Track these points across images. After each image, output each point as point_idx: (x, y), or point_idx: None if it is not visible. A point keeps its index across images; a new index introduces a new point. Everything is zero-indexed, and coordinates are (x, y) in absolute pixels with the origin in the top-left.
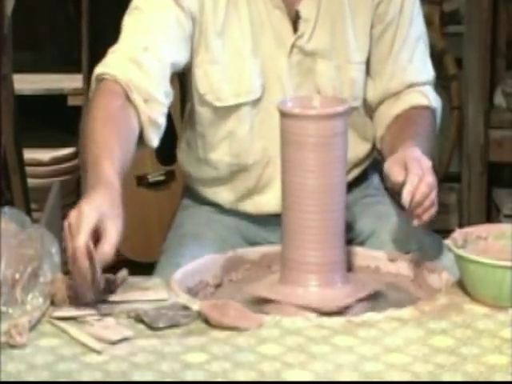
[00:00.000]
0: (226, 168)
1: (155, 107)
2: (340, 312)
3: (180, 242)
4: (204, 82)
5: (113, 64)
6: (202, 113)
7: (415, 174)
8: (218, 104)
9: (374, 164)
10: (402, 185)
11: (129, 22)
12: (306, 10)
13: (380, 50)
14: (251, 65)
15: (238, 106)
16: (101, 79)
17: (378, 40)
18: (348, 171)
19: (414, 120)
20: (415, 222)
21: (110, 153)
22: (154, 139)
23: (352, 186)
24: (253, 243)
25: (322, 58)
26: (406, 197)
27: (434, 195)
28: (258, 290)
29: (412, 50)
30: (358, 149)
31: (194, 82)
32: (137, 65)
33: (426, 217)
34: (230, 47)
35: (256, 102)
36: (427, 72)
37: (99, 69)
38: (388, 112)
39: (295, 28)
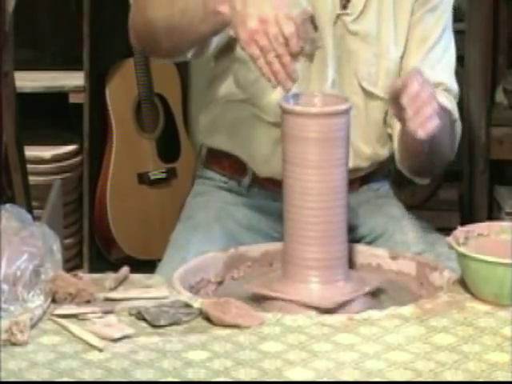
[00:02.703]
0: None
1: None
2: (339, 308)
3: (188, 236)
4: None
5: None
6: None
7: (416, 81)
8: None
9: (385, 172)
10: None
11: None
12: None
13: (415, 38)
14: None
15: None
16: None
17: (414, 28)
18: (369, 166)
19: None
20: (420, 133)
21: None
22: None
23: (365, 182)
24: (267, 236)
25: (363, 41)
26: (405, 99)
27: (435, 104)
28: (259, 288)
29: (443, 51)
30: (377, 146)
31: None
32: None
33: (429, 126)
34: None
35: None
36: (454, 82)
37: None
38: None
39: (344, 7)
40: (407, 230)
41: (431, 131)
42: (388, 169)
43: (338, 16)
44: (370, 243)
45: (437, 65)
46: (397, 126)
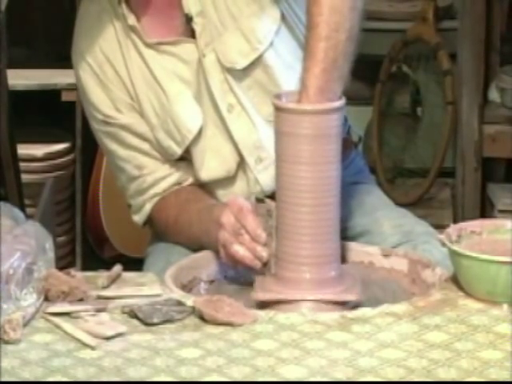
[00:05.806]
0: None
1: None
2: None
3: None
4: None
5: (139, 207)
6: None
7: None
8: (175, 158)
9: (354, 144)
10: None
11: (115, 167)
12: (192, 7)
13: None
14: (174, 111)
15: (187, 150)
16: (146, 221)
17: None
18: None
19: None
20: None
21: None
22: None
23: None
24: None
25: (225, 30)
26: None
27: None
28: (258, 296)
29: None
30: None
31: None
32: (152, 191)
33: None
34: (155, 109)
35: (200, 134)
36: None
37: (136, 217)
38: None
39: (193, 35)
40: (382, 220)
41: None
42: (347, 140)
43: (199, 61)
44: (351, 239)
45: None
46: None
